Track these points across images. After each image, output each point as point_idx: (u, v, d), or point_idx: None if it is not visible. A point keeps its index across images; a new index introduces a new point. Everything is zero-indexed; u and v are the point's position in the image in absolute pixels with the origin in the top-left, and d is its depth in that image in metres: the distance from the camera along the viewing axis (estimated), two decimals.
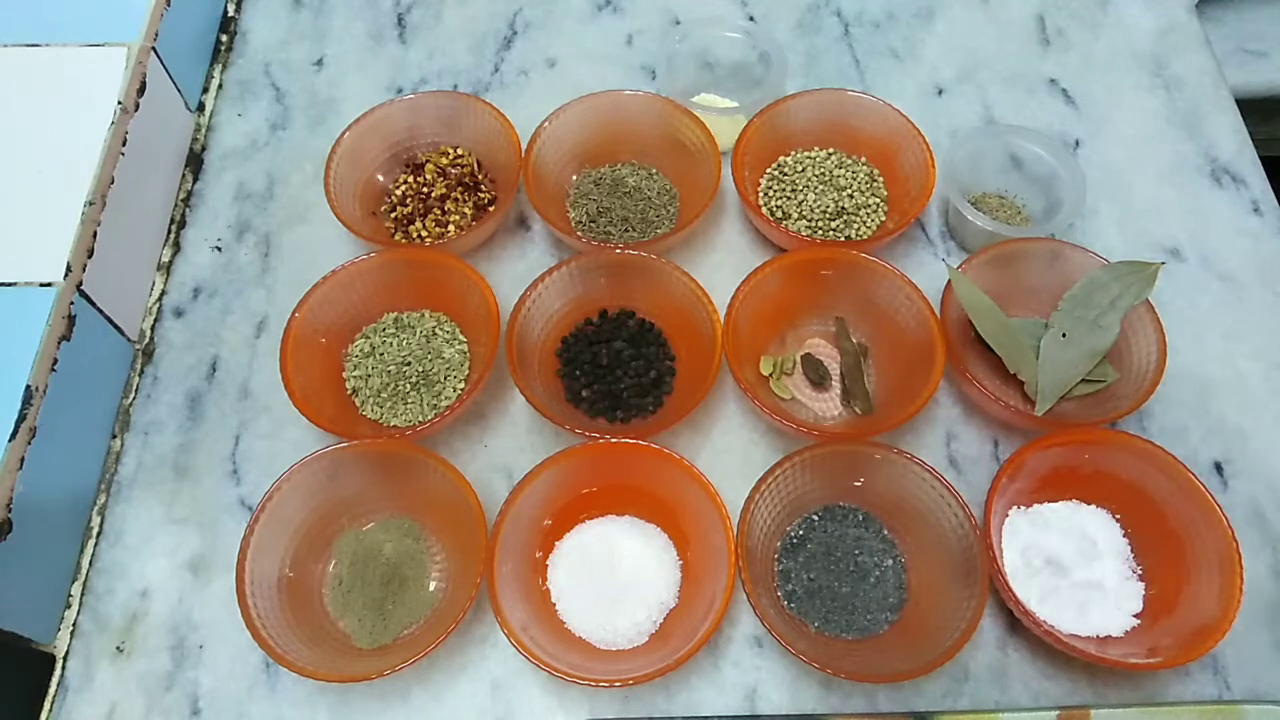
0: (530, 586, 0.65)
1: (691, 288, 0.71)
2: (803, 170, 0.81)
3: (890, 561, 0.66)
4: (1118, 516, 0.66)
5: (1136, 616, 0.63)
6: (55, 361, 0.66)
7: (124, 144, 0.74)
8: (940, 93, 0.89)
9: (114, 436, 0.73)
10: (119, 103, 0.75)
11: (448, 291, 0.74)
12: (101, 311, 0.72)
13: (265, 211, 0.83)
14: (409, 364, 0.72)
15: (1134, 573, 0.65)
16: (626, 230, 0.79)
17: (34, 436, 0.63)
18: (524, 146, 0.78)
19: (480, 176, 0.82)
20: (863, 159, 0.82)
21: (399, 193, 0.80)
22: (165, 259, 0.81)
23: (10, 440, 0.61)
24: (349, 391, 0.72)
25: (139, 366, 0.76)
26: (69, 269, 0.68)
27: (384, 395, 0.72)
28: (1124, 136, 0.86)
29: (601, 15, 0.95)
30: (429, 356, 0.73)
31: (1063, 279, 0.72)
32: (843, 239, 0.78)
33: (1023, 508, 0.67)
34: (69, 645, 0.66)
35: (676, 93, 0.81)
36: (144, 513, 0.70)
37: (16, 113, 0.74)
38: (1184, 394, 0.73)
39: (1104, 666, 0.62)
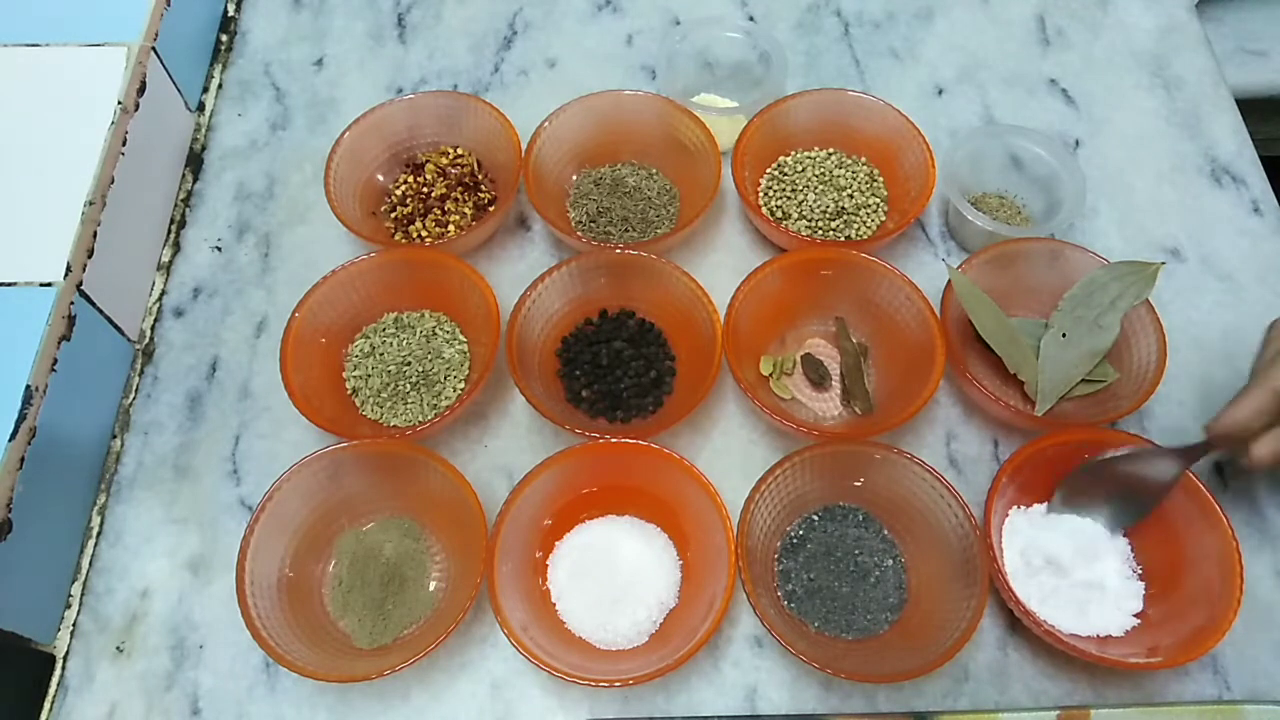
0: (530, 586, 0.65)
1: (691, 288, 0.71)
2: (803, 170, 0.81)
3: (890, 561, 0.66)
4: None
5: (1136, 616, 0.63)
6: (55, 361, 0.66)
7: (124, 144, 0.74)
8: (940, 93, 0.89)
9: (114, 436, 0.73)
10: (119, 103, 0.75)
11: (448, 291, 0.74)
12: (101, 311, 0.72)
13: (265, 211, 0.83)
14: (409, 364, 0.72)
15: (1134, 573, 0.65)
16: (626, 230, 0.79)
17: (34, 436, 0.63)
18: (524, 146, 0.78)
19: (480, 176, 0.82)
20: (863, 159, 0.82)
21: (399, 193, 0.80)
22: (165, 259, 0.81)
23: (10, 440, 0.62)
24: (349, 391, 0.73)
25: (139, 366, 0.76)
26: (69, 269, 0.68)
27: (384, 395, 0.72)
28: (1124, 136, 0.86)
29: (601, 15, 0.95)
30: (429, 356, 0.73)
31: (1063, 279, 0.72)
32: (843, 239, 0.78)
33: (1023, 508, 0.67)
34: (69, 645, 0.66)
35: (676, 93, 0.81)
36: (144, 513, 0.70)
37: (16, 113, 0.74)
38: (1184, 394, 0.73)
39: (1104, 666, 0.62)
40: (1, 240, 0.69)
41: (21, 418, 0.62)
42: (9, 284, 0.67)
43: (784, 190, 0.80)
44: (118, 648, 0.65)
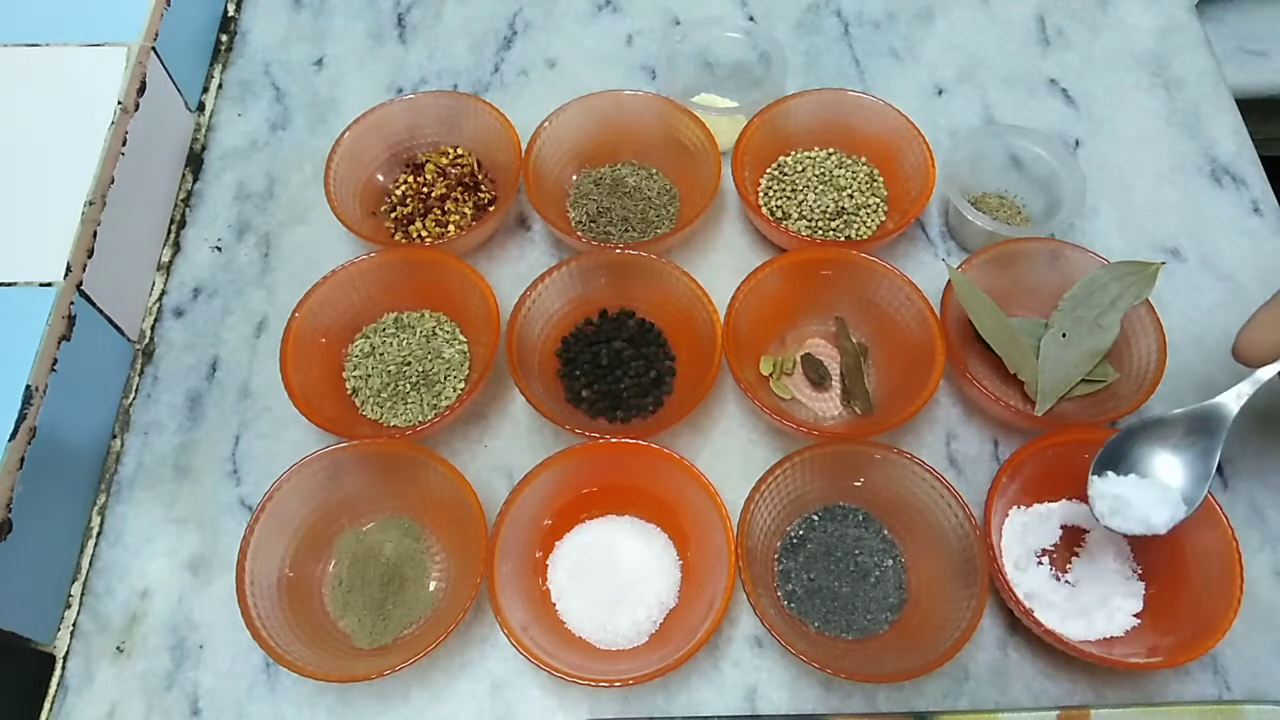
0: (530, 586, 0.65)
1: (691, 288, 0.71)
2: (803, 170, 0.81)
3: (890, 561, 0.66)
4: None
5: (1136, 616, 0.63)
6: (55, 361, 0.66)
7: (124, 144, 0.74)
8: (940, 93, 0.89)
9: (114, 436, 0.73)
10: (119, 103, 0.75)
11: (448, 291, 0.74)
12: (101, 311, 0.72)
13: (265, 211, 0.83)
14: (409, 364, 0.72)
15: (1134, 573, 0.65)
16: (626, 230, 0.79)
17: (34, 436, 0.63)
18: (524, 146, 0.78)
19: (480, 176, 0.82)
20: (863, 159, 0.82)
21: (399, 193, 0.80)
22: (165, 259, 0.81)
23: (10, 440, 0.61)
24: (349, 391, 0.73)
25: (139, 366, 0.76)
26: (69, 269, 0.68)
27: (384, 395, 0.72)
28: (1124, 136, 0.86)
29: (601, 15, 0.95)
30: (429, 356, 0.73)
31: (1063, 279, 0.72)
32: (843, 239, 0.78)
33: (1023, 508, 0.67)
34: (69, 645, 0.66)
35: (676, 93, 0.81)
36: (144, 513, 0.70)
37: (16, 113, 0.74)
38: (1184, 394, 0.73)
39: (1104, 666, 0.62)
40: (1, 240, 0.69)
41: (21, 418, 0.62)
42: (9, 284, 0.67)
43: (784, 190, 0.80)
44: (118, 648, 0.65)
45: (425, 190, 0.80)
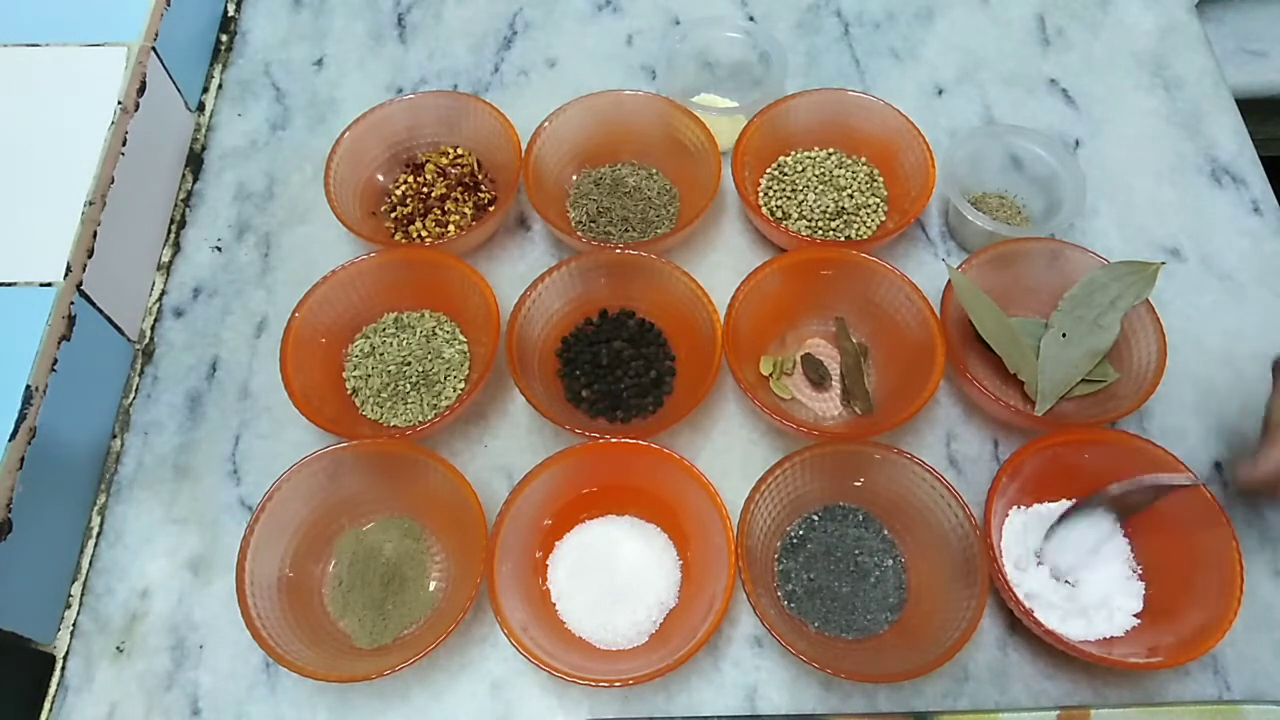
0: (530, 586, 0.65)
1: (691, 288, 0.71)
2: (803, 170, 0.81)
3: (890, 561, 0.66)
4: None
5: (1136, 616, 0.63)
6: (55, 361, 0.66)
7: (124, 144, 0.74)
8: (940, 93, 0.89)
9: (114, 436, 0.73)
10: (119, 103, 0.75)
11: (448, 291, 0.74)
12: (101, 311, 0.72)
13: (265, 211, 0.83)
14: (409, 364, 0.72)
15: (1134, 573, 0.65)
16: (626, 230, 0.79)
17: (34, 436, 0.63)
18: (524, 146, 0.78)
19: (480, 176, 0.82)
20: (863, 159, 0.82)
21: (399, 193, 0.80)
22: (165, 259, 0.81)
23: (10, 440, 0.61)
24: (349, 391, 0.73)
25: (139, 366, 0.76)
26: (69, 269, 0.68)
27: (384, 395, 0.72)
28: (1124, 136, 0.86)
29: (601, 15, 0.95)
30: (429, 356, 0.73)
31: (1063, 279, 0.72)
32: (843, 239, 0.78)
33: (1023, 508, 0.67)
34: (69, 645, 0.66)
35: (676, 93, 0.81)
36: (144, 513, 0.70)
37: (16, 113, 0.74)
38: (1184, 394, 0.73)
39: (1104, 666, 0.62)
40: (1, 240, 0.69)
41: (21, 418, 0.62)
42: (9, 284, 0.67)
43: (784, 190, 0.80)
44: (118, 648, 0.65)
45: (425, 190, 0.80)
